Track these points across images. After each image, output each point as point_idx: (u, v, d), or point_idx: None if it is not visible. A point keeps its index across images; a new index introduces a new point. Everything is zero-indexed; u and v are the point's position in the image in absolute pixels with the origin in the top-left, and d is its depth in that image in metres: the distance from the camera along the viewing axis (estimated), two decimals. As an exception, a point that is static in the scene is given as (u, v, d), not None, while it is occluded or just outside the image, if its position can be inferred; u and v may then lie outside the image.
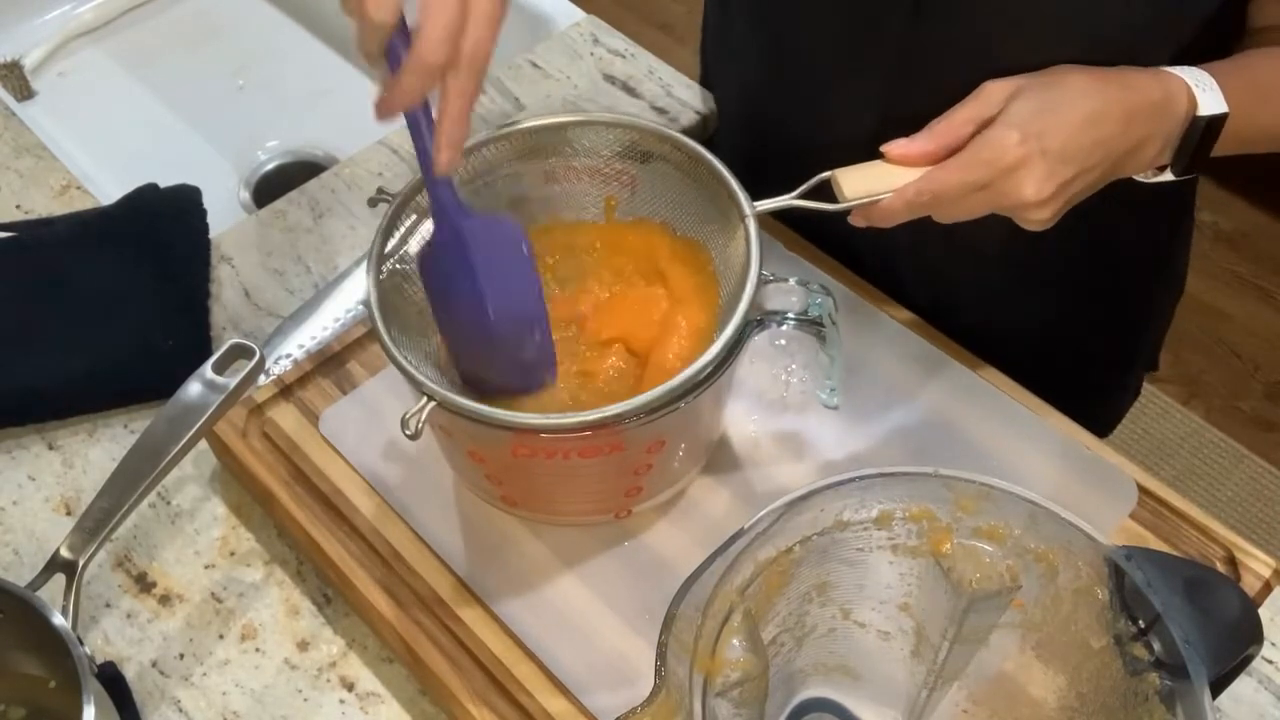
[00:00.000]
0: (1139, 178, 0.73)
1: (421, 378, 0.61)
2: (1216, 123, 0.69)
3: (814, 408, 0.78)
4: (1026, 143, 0.65)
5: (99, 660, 0.72)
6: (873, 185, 0.68)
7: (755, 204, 0.67)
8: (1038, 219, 0.68)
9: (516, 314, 0.65)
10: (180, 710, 0.71)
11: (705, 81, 1.04)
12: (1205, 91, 0.68)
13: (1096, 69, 0.69)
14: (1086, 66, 0.69)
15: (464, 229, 0.63)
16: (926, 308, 0.85)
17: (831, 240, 0.87)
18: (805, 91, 0.86)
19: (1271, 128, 0.72)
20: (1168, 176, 0.72)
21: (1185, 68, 0.69)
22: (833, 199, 0.68)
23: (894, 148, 0.68)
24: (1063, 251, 0.85)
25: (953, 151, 0.67)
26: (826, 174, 0.68)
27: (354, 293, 0.89)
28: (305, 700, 0.71)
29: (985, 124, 0.67)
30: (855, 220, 0.69)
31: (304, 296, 0.90)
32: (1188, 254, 0.97)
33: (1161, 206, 0.88)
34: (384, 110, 0.60)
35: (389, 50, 0.59)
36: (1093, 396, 0.98)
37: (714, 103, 1.02)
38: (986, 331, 0.85)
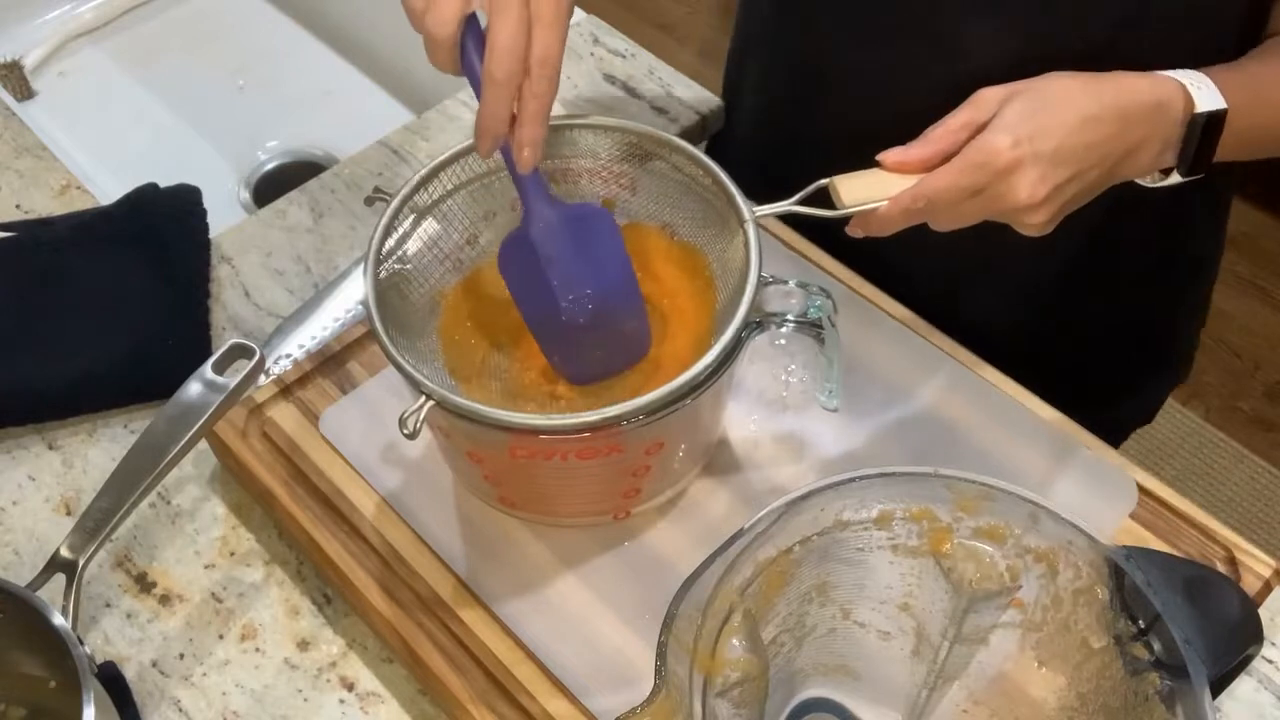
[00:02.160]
0: (1144, 182, 0.73)
1: (420, 377, 0.61)
2: (1216, 118, 0.68)
3: (814, 408, 0.78)
4: (1019, 146, 0.65)
5: (99, 660, 0.72)
6: (871, 192, 0.67)
7: (755, 209, 0.67)
8: (1034, 223, 0.67)
9: (620, 290, 0.68)
10: (180, 710, 0.71)
11: (728, 87, 1.03)
12: (1201, 89, 0.68)
13: (1089, 73, 0.68)
14: (1079, 71, 0.69)
15: (558, 219, 0.66)
16: (928, 305, 0.85)
17: (834, 234, 0.87)
18: (855, 91, 0.86)
19: (1274, 125, 0.72)
20: (1175, 179, 0.72)
21: (1180, 70, 0.69)
22: (831, 205, 0.68)
23: (890, 155, 0.67)
24: (1078, 251, 0.85)
25: (948, 158, 0.67)
26: (825, 180, 0.68)
27: (354, 293, 0.89)
28: (305, 700, 0.71)
29: (980, 129, 0.67)
30: (853, 230, 0.69)
31: (304, 296, 0.90)
32: (1223, 239, 0.97)
33: (1174, 210, 0.88)
34: (484, 144, 0.62)
35: (464, 62, 0.59)
36: (1125, 392, 0.98)
37: (716, 103, 1.02)
38: (994, 331, 0.85)
